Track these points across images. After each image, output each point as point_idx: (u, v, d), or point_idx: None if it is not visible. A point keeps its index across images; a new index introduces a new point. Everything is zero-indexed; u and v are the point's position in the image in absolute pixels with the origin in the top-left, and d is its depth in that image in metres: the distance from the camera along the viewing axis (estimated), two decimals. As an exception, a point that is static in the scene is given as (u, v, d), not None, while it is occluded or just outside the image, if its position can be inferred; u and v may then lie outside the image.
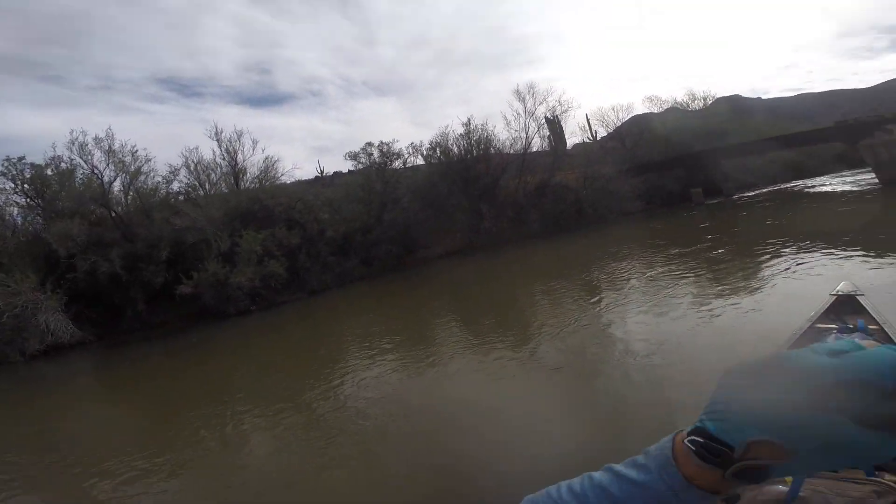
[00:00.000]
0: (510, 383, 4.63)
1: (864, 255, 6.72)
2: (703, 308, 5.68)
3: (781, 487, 1.20)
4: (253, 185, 21.73)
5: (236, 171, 21.95)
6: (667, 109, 33.42)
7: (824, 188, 20.53)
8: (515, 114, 23.77)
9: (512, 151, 23.47)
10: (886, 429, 0.33)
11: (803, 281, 5.97)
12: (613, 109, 33.25)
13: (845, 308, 2.95)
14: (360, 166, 23.22)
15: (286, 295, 16.35)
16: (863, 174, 26.16)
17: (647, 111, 34.32)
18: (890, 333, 2.50)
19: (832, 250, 7.33)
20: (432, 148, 23.66)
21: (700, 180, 23.31)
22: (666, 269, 8.64)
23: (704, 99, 33.08)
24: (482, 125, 23.23)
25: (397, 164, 23.55)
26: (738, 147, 24.12)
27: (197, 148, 21.03)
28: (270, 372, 7.35)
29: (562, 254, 15.16)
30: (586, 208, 21.21)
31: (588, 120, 34.57)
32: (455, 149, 23.33)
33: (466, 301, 10.16)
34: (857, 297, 2.97)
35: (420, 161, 24.52)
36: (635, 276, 8.79)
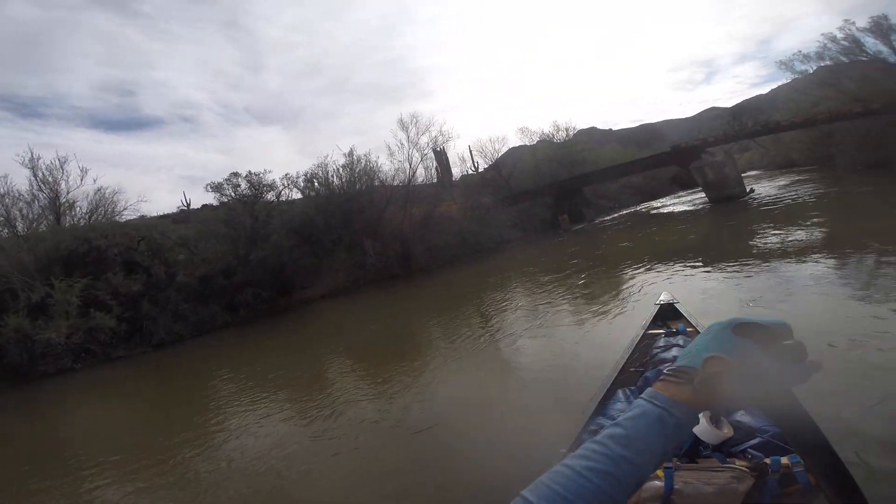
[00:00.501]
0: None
1: (688, 267, 8.45)
2: (576, 326, 6.45)
3: (658, 483, 1.44)
4: (83, 222, 18.20)
5: (58, 206, 18.19)
6: (538, 142, 36.37)
7: (667, 209, 23.79)
8: (399, 144, 23.66)
9: (396, 183, 23.21)
10: (786, 360, 0.53)
11: (646, 294, 7.03)
12: (491, 141, 35.31)
13: (668, 315, 3.40)
14: (225, 199, 20.90)
15: (123, 349, 13.96)
16: (695, 193, 30.99)
17: (520, 142, 37.13)
18: (699, 330, 2.90)
19: (666, 265, 9.01)
20: (309, 179, 22.32)
21: (567, 207, 25.45)
22: (540, 295, 9.27)
23: (566, 130, 36.72)
24: (365, 155, 22.62)
25: (270, 196, 21.78)
26: (596, 174, 27.11)
27: (6, 177, 17.05)
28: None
29: (449, 286, 15.02)
30: (469, 238, 21.58)
31: (470, 151, 36.37)
32: (336, 180, 22.31)
33: (349, 345, 9.27)
34: (675, 305, 3.44)
35: (297, 194, 23.02)
36: (514, 304, 9.21)
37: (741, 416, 1.87)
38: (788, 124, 20.97)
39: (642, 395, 0.57)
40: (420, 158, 23.77)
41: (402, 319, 11.07)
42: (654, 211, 24.31)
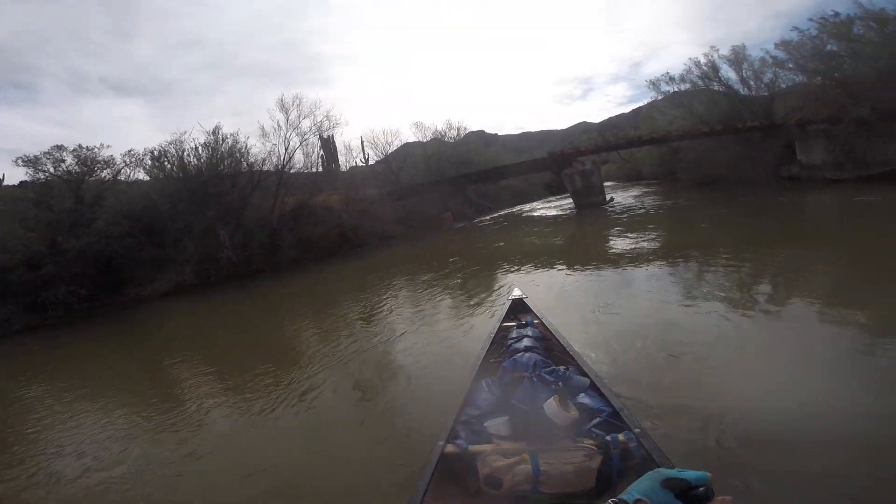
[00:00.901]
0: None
1: (551, 268, 9.12)
2: (454, 321, 6.49)
3: (526, 467, 1.76)
4: None
5: None
6: (430, 140, 36.20)
7: (538, 212, 25.20)
8: (276, 125, 21.44)
9: (269, 168, 20.94)
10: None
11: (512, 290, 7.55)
12: (384, 133, 34.29)
13: (518, 308, 3.77)
14: (43, 176, 16.78)
15: None
16: (563, 199, 33.22)
17: (415, 138, 36.66)
18: (547, 325, 3.29)
19: (534, 264, 9.69)
20: (157, 158, 18.98)
21: (451, 205, 25.59)
22: (421, 293, 9.00)
23: (458, 129, 37.22)
24: (233, 135, 19.93)
25: (105, 175, 18.08)
26: (482, 174, 27.68)
27: None
28: None
29: (324, 284, 13.80)
30: (348, 232, 20.35)
31: (362, 143, 34.76)
32: (193, 160, 19.28)
33: (186, 355, 7.54)
34: (524, 300, 3.82)
35: (144, 175, 19.50)
36: (395, 303, 8.65)
37: (582, 399, 2.15)
38: (648, 139, 23.57)
39: None
40: (299, 143, 21.84)
41: (261, 323, 9.64)
42: (527, 214, 25.69)
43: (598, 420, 2.05)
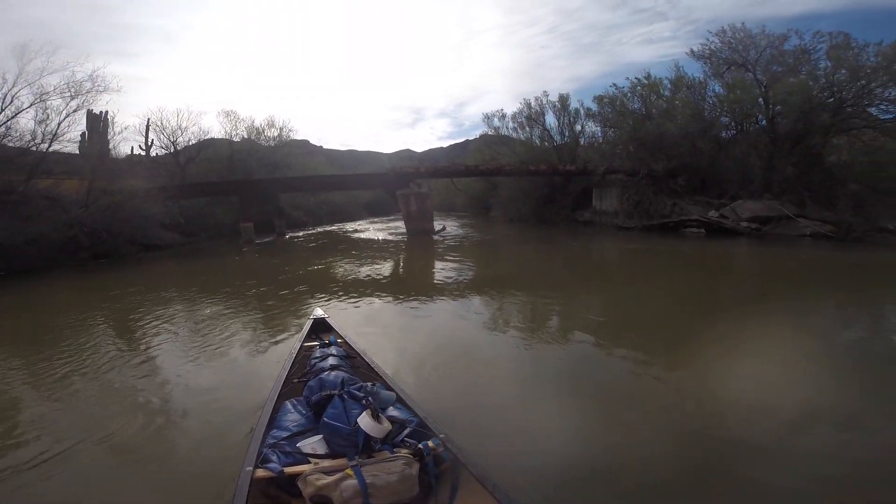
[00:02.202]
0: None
1: (379, 299, 8.02)
2: (246, 350, 5.31)
3: (353, 482, 1.77)
4: None
5: None
6: (242, 140, 29.60)
7: (364, 234, 22.41)
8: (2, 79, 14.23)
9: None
10: None
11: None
12: (177, 114, 26.45)
13: (321, 328, 3.90)
14: None
15: None
16: (390, 222, 30.62)
17: (224, 131, 29.32)
18: (351, 344, 3.41)
19: (356, 296, 8.20)
20: None
21: (254, 214, 20.65)
22: (200, 325, 6.57)
23: (281, 129, 31.44)
24: None
25: None
26: (302, 180, 23.23)
27: None
28: None
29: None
30: (81, 236, 13.87)
31: (147, 125, 26.04)
32: None
33: None
34: (327, 320, 3.98)
35: None
36: (162, 342, 5.81)
37: (391, 412, 2.28)
38: (486, 169, 23.41)
39: None
40: (29, 105, 14.50)
41: None
42: (350, 234, 22.72)
43: (408, 430, 2.16)
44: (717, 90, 19.82)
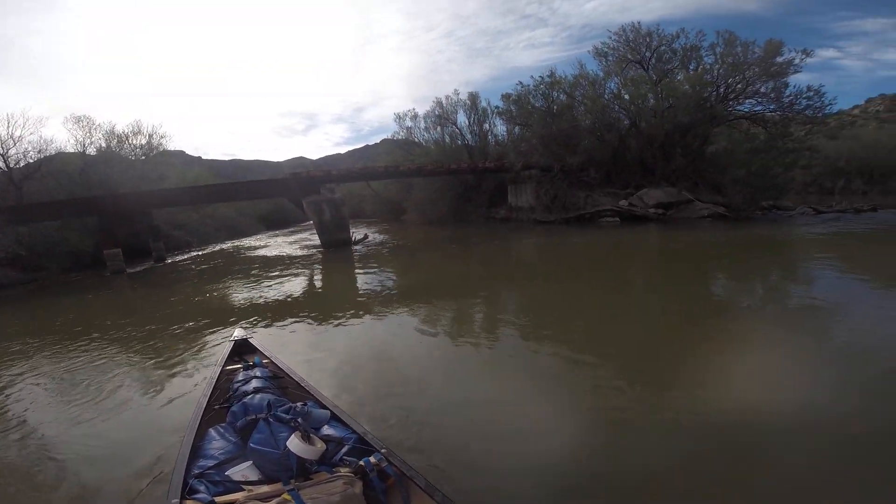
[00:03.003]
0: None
1: (272, 315, 7.57)
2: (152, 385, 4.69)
3: None
4: None
5: None
6: (100, 152, 24.37)
7: (266, 250, 19.48)
8: None
9: None
10: None
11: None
12: (7, 122, 20.66)
13: (244, 349, 3.62)
14: None
15: None
16: (296, 234, 28.40)
17: (73, 143, 23.83)
18: (278, 363, 3.22)
19: (249, 312, 7.93)
20: None
21: (121, 238, 16.84)
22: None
23: (152, 137, 26.49)
24: None
25: None
26: (180, 192, 19.20)
27: None
28: None
29: None
30: None
31: None
32: None
33: None
34: (249, 340, 3.71)
35: None
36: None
37: (326, 430, 2.20)
38: (406, 170, 21.69)
39: None
40: None
41: None
42: (253, 252, 19.73)
43: (346, 448, 2.08)
44: (613, 88, 20.89)
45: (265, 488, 1.88)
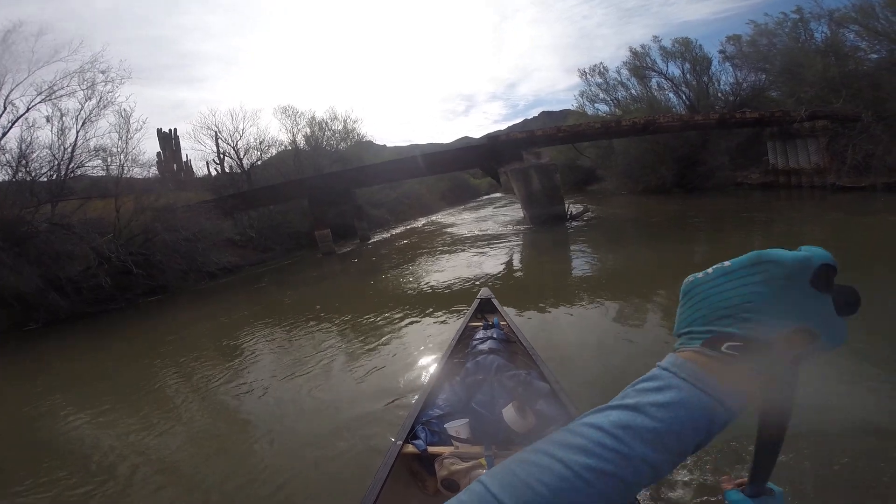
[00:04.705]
0: None
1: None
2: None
3: (481, 471, 1.66)
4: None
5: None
6: (306, 138, 26.84)
7: (462, 228, 17.66)
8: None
9: None
10: (843, 312, 0.36)
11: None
12: (231, 116, 24.03)
13: (486, 308, 3.78)
14: None
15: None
16: (479, 209, 27.32)
17: (283, 130, 27.10)
18: (513, 328, 3.19)
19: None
20: None
21: (330, 217, 16.84)
22: None
23: (346, 121, 28.13)
24: None
25: None
26: (381, 166, 18.69)
27: None
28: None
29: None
30: (100, 275, 10.52)
31: (218, 140, 23.83)
32: None
33: None
34: (492, 300, 3.79)
35: None
36: None
37: (541, 405, 2.06)
38: (629, 127, 16.90)
39: (676, 370, 0.37)
40: (24, 110, 11.27)
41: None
42: (448, 229, 18.14)
43: (553, 428, 1.01)
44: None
45: (470, 448, 1.89)
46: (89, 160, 11.94)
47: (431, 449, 1.90)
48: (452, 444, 1.95)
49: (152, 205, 12.23)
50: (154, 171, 22.75)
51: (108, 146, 12.29)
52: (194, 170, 28.44)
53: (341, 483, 2.69)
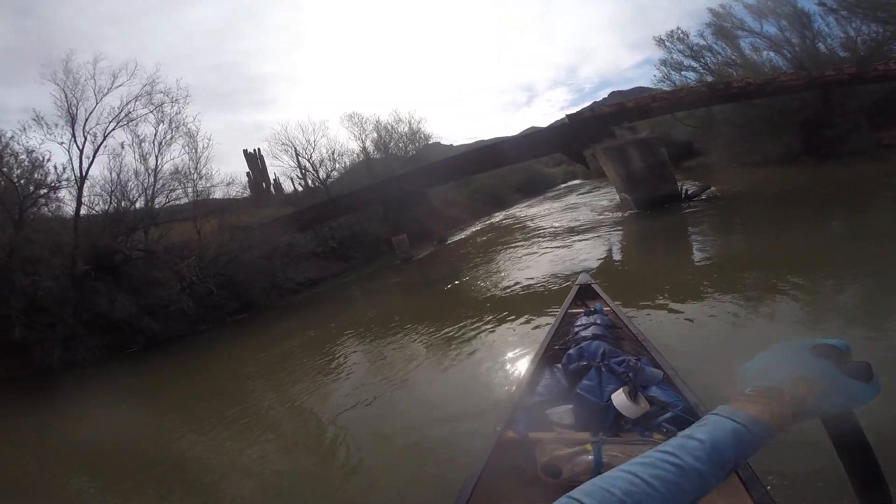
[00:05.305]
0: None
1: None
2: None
3: (588, 457, 1.64)
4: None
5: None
6: (375, 143, 26.88)
7: (547, 219, 15.97)
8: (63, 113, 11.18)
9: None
10: (859, 378, 0.52)
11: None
12: (301, 129, 24.47)
13: (586, 294, 3.67)
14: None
15: None
16: (559, 198, 25.24)
17: (349, 136, 27.39)
18: (618, 313, 3.14)
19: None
20: None
21: (405, 222, 16.10)
22: None
23: (410, 122, 27.71)
24: None
25: None
26: (451, 161, 17.81)
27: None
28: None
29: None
30: (182, 299, 10.46)
31: (298, 157, 24.59)
32: None
33: None
34: (593, 286, 3.71)
35: None
36: None
37: (654, 391, 1.99)
38: (760, 85, 14.26)
39: (716, 412, 0.54)
40: (102, 140, 11.55)
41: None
42: (530, 222, 16.58)
43: (670, 414, 1.88)
44: None
45: (574, 434, 1.86)
46: (171, 183, 12.19)
47: (532, 434, 1.88)
48: (554, 430, 1.93)
49: (233, 224, 12.19)
50: (240, 190, 24.02)
51: (180, 166, 12.54)
52: (284, 188, 29.61)
53: (447, 470, 2.61)
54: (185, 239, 11.92)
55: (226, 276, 10.88)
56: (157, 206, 11.73)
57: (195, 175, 12.60)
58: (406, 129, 27.57)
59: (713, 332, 3.88)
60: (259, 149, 31.16)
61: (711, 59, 20.92)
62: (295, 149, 24.05)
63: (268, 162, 29.69)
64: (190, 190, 12.68)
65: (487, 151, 15.49)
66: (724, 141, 19.44)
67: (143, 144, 11.80)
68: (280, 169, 40.68)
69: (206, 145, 13.18)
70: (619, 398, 1.89)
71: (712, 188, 11.92)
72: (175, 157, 13.39)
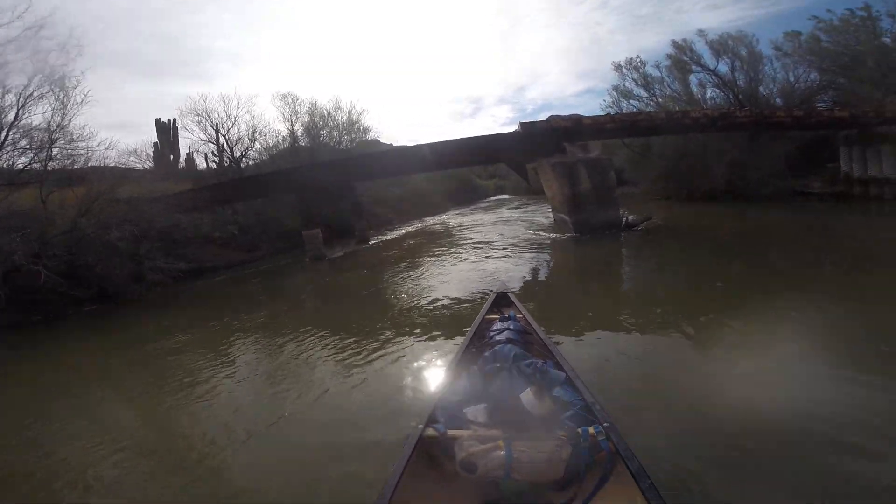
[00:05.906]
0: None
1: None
2: None
3: (500, 453, 1.72)
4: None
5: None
6: (305, 126, 24.14)
7: (480, 231, 14.96)
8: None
9: None
10: None
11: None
12: (224, 101, 21.02)
13: (502, 302, 3.87)
14: None
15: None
16: (491, 211, 24.64)
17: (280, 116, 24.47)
18: (529, 320, 3.29)
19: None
20: None
21: (326, 216, 14.21)
22: None
23: (350, 112, 25.32)
24: None
25: None
26: (385, 156, 16.64)
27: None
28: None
29: None
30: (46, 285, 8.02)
31: (218, 132, 20.92)
32: None
33: None
34: (508, 294, 3.95)
35: None
36: None
37: (557, 392, 2.15)
38: (715, 118, 14.60)
39: None
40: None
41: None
42: (466, 233, 15.47)
43: (570, 413, 2.02)
44: None
45: (488, 431, 1.91)
46: (20, 140, 9.46)
47: (450, 432, 1.94)
48: (471, 428, 1.99)
49: (104, 195, 9.68)
50: (140, 161, 20.33)
51: (40, 124, 9.83)
52: (199, 165, 25.91)
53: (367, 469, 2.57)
54: (32, 208, 9.29)
55: (72, 258, 8.37)
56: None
57: (51, 133, 9.90)
58: (345, 118, 25.33)
59: (615, 349, 4.15)
60: (174, 119, 27.17)
61: (660, 91, 21.67)
62: (211, 122, 20.89)
63: (183, 135, 25.92)
64: (45, 153, 9.98)
65: (427, 150, 14.16)
66: (656, 173, 20.01)
67: (6, 96, 9.13)
68: (196, 144, 36.04)
69: (81, 99, 10.49)
70: (527, 398, 2.09)
71: (653, 218, 11.59)
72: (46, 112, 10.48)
